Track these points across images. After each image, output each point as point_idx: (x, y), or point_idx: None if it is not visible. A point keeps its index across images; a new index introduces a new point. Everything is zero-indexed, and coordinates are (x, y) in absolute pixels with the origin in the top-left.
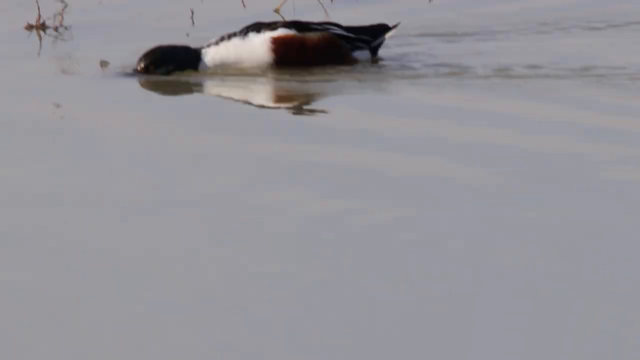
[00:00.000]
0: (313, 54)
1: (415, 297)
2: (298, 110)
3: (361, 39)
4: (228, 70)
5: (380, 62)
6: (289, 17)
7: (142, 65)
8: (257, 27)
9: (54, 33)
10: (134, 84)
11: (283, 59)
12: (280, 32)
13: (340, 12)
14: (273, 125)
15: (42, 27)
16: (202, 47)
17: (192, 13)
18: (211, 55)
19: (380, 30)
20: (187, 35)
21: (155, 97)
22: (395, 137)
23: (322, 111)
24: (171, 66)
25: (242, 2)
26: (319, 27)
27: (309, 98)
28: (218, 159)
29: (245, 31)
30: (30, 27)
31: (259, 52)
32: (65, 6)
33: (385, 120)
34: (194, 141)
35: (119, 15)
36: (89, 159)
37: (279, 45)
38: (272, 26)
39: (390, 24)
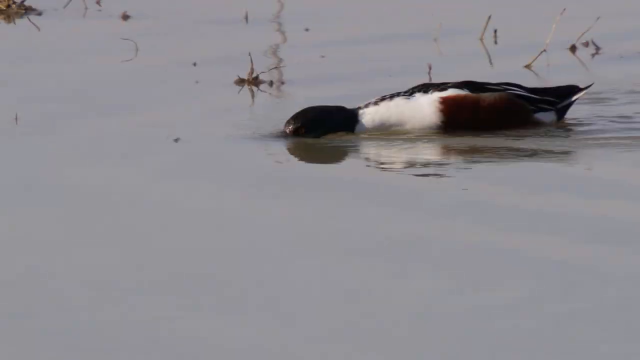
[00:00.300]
0: (488, 116)
1: None
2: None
3: (545, 100)
4: (388, 132)
5: (568, 125)
6: (541, 74)
7: (292, 127)
8: (425, 88)
9: (268, 88)
10: (281, 147)
11: (453, 120)
12: (451, 92)
13: (599, 68)
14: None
15: (255, 81)
16: (360, 108)
17: (430, 68)
18: (370, 116)
19: (568, 91)
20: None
21: (302, 166)
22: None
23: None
24: (324, 129)
25: (489, 59)
26: (496, 87)
27: (472, 162)
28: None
29: (411, 91)
30: (241, 82)
31: (425, 112)
32: (280, 61)
33: (561, 198)
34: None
35: (340, 68)
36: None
37: (448, 105)
38: (441, 87)
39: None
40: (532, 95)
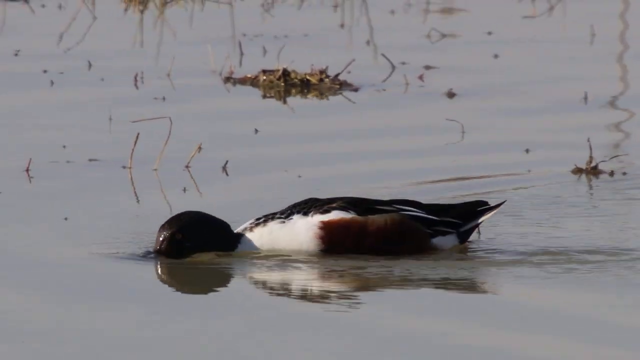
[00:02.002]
0: (376, 242)
1: None
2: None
3: (446, 222)
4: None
5: (469, 249)
6: None
7: (167, 233)
8: (307, 208)
9: (608, 178)
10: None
11: (335, 247)
12: (334, 215)
13: None
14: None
15: (593, 171)
16: (240, 231)
17: None
18: (247, 242)
19: (474, 210)
20: None
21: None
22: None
23: (355, 306)
24: (204, 236)
25: None
26: (388, 207)
27: (346, 293)
28: None
29: (289, 212)
30: (578, 171)
31: (302, 239)
32: (620, 147)
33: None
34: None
35: None
36: None
37: (330, 231)
38: (325, 207)
39: (492, 202)
40: (430, 217)
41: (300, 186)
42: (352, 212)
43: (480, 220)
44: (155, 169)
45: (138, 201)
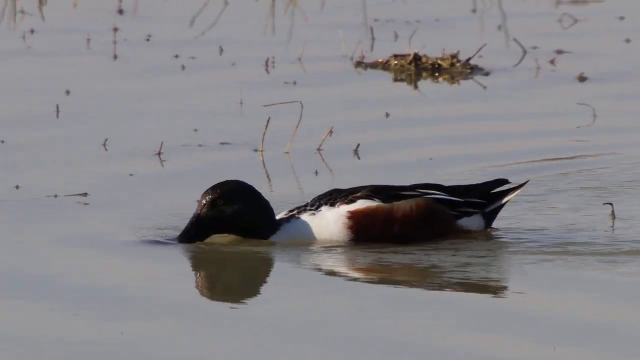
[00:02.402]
0: (404, 227)
1: None
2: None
3: (470, 203)
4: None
5: (496, 233)
6: None
7: (210, 197)
8: (333, 199)
9: None
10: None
11: (363, 235)
12: (359, 204)
13: None
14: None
15: None
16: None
17: None
18: (284, 231)
19: (496, 186)
20: None
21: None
22: None
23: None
24: (246, 208)
25: None
26: (412, 192)
27: (382, 275)
28: None
29: (318, 204)
30: None
31: (332, 230)
32: None
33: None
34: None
35: None
36: None
37: (357, 220)
38: (350, 197)
39: (514, 181)
40: (454, 199)
41: (430, 168)
42: (376, 200)
43: (504, 201)
44: (287, 152)
45: (270, 184)
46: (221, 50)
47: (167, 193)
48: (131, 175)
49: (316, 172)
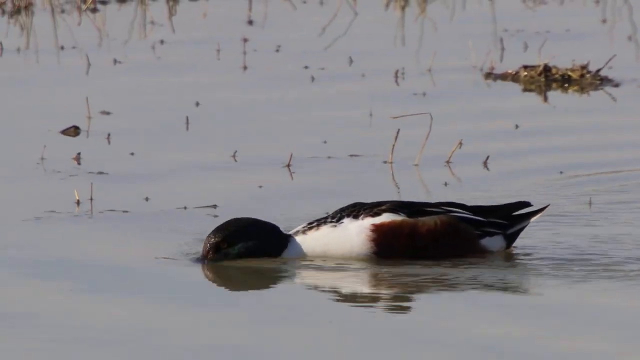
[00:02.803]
0: (427, 243)
1: None
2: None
3: (493, 223)
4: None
5: (516, 252)
6: None
7: (213, 242)
8: (356, 211)
9: None
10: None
11: (387, 249)
12: (384, 217)
13: None
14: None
15: None
16: (292, 233)
17: None
18: (298, 245)
19: (518, 208)
20: None
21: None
22: None
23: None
24: (250, 243)
25: None
26: (436, 209)
27: (404, 297)
28: None
29: (339, 216)
30: None
31: (354, 242)
32: None
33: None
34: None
35: None
36: None
37: (381, 233)
38: (375, 210)
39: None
40: (478, 218)
41: (561, 181)
42: (402, 214)
43: (526, 223)
44: (416, 164)
45: (399, 196)
46: (351, 61)
47: (296, 205)
48: (260, 187)
49: (445, 184)
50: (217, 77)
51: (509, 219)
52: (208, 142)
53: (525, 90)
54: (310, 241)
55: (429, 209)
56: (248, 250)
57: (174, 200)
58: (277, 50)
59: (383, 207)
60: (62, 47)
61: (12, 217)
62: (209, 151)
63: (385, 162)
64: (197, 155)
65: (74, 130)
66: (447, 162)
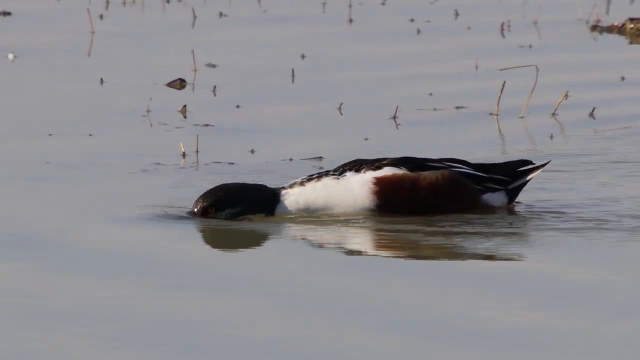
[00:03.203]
0: (429, 197)
1: None
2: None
3: (494, 179)
4: (314, 216)
5: (519, 208)
6: None
7: (200, 206)
8: (358, 166)
9: None
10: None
11: (389, 203)
12: (386, 171)
13: None
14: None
15: None
16: (283, 187)
17: None
18: (294, 197)
19: (520, 166)
20: None
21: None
22: None
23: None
24: (238, 209)
25: None
26: (438, 164)
27: (405, 250)
28: None
29: (342, 170)
30: None
31: (356, 194)
32: None
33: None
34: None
35: None
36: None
37: (383, 186)
38: (376, 164)
39: (537, 161)
40: (479, 174)
41: None
42: (403, 168)
43: (527, 179)
44: (522, 117)
45: (504, 148)
46: (456, 14)
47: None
48: (366, 139)
49: (551, 136)
50: (323, 30)
51: (510, 175)
52: (313, 95)
53: (631, 42)
54: (310, 192)
55: (430, 164)
56: (235, 215)
57: (280, 152)
58: (383, 4)
59: (384, 162)
60: (168, 1)
61: (119, 170)
62: (315, 103)
63: (491, 114)
64: (303, 108)
65: (179, 83)
66: (553, 114)
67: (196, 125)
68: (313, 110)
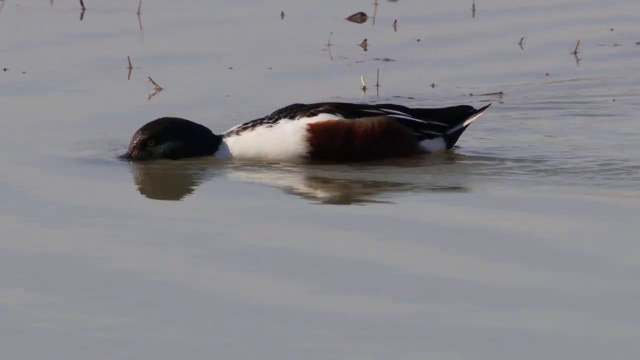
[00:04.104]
0: (364, 144)
1: None
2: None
3: (432, 125)
4: (249, 163)
5: (457, 153)
6: None
7: (139, 139)
8: (293, 112)
9: None
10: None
11: (322, 150)
12: (321, 117)
13: None
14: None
15: None
16: (222, 135)
17: None
18: (230, 145)
19: (460, 114)
20: None
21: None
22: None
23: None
24: (179, 143)
25: None
26: (375, 110)
27: (333, 191)
28: None
29: (277, 117)
30: None
31: (289, 142)
32: None
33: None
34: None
35: None
36: None
37: (317, 133)
38: (311, 111)
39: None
40: (417, 120)
41: None
42: (339, 114)
43: (465, 124)
44: None
45: None
46: None
47: (581, 92)
48: (547, 74)
49: None
50: None
51: (448, 121)
52: (494, 29)
53: None
54: (243, 142)
55: (367, 110)
56: (174, 150)
57: (460, 87)
58: None
59: (320, 108)
60: None
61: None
62: (496, 38)
63: None
64: (484, 42)
65: (360, 17)
66: None
67: (376, 59)
68: (494, 44)
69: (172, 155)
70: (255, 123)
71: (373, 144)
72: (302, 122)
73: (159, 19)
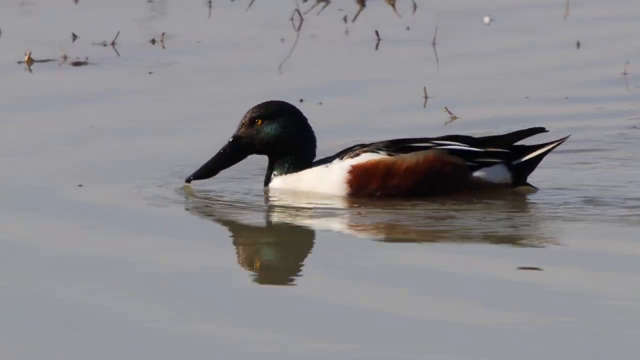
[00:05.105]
0: (405, 181)
1: None
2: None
3: (490, 152)
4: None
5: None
6: None
7: (253, 115)
8: (344, 153)
9: None
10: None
11: (361, 190)
12: (362, 158)
13: None
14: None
15: None
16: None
17: None
18: (279, 181)
19: (526, 136)
20: None
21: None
22: None
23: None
24: (288, 129)
25: None
26: (425, 144)
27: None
28: None
29: (336, 157)
30: None
31: (333, 182)
32: None
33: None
34: None
35: None
36: None
37: (355, 174)
38: (356, 151)
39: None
40: (472, 149)
41: None
42: (382, 152)
43: (536, 154)
44: None
45: None
46: None
47: None
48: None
49: None
50: None
51: (511, 147)
52: None
53: None
54: (294, 178)
55: (416, 145)
56: (276, 139)
57: None
58: None
59: (366, 148)
60: None
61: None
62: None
63: None
64: None
65: None
66: None
67: None
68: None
69: (275, 142)
70: (318, 162)
71: (416, 180)
72: (345, 164)
73: (454, 49)
